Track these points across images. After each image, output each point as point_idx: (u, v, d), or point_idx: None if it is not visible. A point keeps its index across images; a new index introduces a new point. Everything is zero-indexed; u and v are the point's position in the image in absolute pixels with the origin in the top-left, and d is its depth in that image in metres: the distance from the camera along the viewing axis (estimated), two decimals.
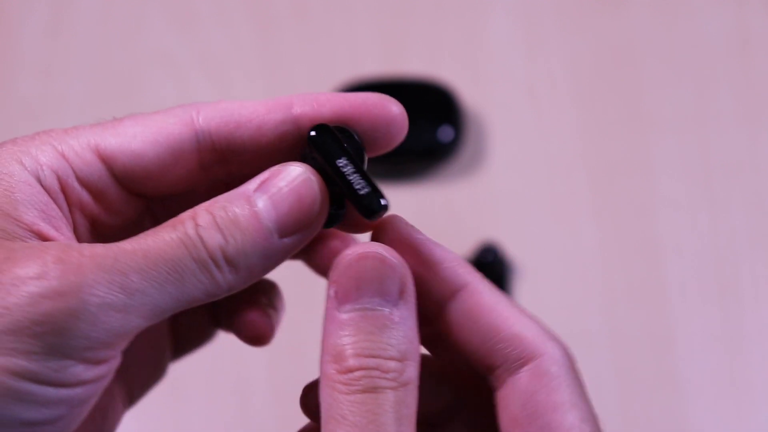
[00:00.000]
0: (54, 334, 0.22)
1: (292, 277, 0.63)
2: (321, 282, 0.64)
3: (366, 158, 0.28)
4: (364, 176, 0.26)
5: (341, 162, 0.26)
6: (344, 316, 0.25)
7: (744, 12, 0.66)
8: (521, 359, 0.26)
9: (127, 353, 0.28)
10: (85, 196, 0.27)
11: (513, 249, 0.61)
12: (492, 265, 0.59)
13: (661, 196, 0.62)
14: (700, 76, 0.65)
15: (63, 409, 0.23)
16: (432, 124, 0.62)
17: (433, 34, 0.67)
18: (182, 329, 0.34)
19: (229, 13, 0.69)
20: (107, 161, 0.27)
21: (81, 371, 0.23)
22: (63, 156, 0.26)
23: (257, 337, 0.33)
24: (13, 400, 0.22)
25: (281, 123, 0.27)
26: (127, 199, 0.28)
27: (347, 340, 0.25)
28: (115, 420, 0.32)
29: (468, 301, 0.27)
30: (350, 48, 0.67)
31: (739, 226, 0.62)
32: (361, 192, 0.26)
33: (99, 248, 0.24)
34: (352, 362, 0.25)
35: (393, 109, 0.28)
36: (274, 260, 0.26)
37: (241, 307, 0.33)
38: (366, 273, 0.26)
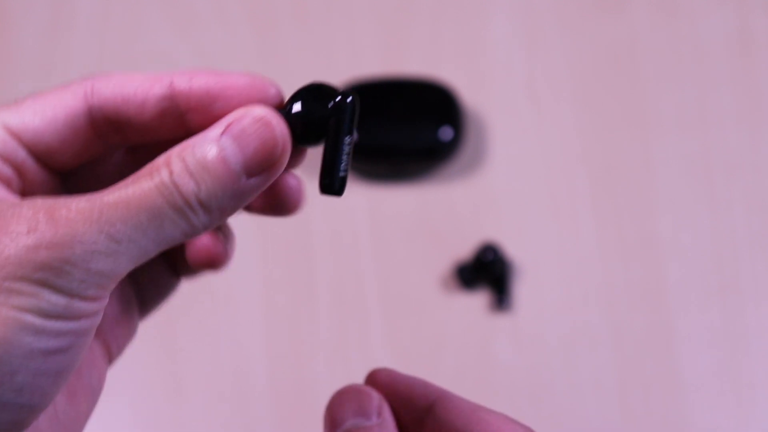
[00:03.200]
0: (55, 278, 0.25)
1: (291, 280, 0.63)
2: (319, 284, 0.64)
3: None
4: (348, 161, 0.28)
5: (347, 140, 0.28)
6: None
7: (744, 12, 0.66)
8: None
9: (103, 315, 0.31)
10: (8, 172, 0.29)
11: (513, 249, 0.61)
12: (492, 264, 0.59)
13: (662, 196, 0.62)
14: (701, 76, 0.65)
15: (71, 338, 0.26)
16: (432, 124, 0.62)
17: (433, 34, 0.67)
18: (145, 286, 0.36)
19: (229, 14, 0.69)
20: (16, 138, 0.29)
21: (82, 306, 0.26)
22: None
23: (212, 258, 0.34)
24: (31, 333, 0.25)
25: (162, 99, 0.29)
26: (48, 173, 0.30)
27: None
28: (101, 376, 0.34)
29: (448, 405, 0.31)
30: (350, 48, 0.67)
31: (740, 226, 0.62)
32: (340, 174, 0.28)
33: (83, 203, 0.26)
34: None
35: (270, 91, 0.29)
36: (243, 199, 0.28)
37: (192, 240, 0.34)
38: (348, 400, 0.31)
